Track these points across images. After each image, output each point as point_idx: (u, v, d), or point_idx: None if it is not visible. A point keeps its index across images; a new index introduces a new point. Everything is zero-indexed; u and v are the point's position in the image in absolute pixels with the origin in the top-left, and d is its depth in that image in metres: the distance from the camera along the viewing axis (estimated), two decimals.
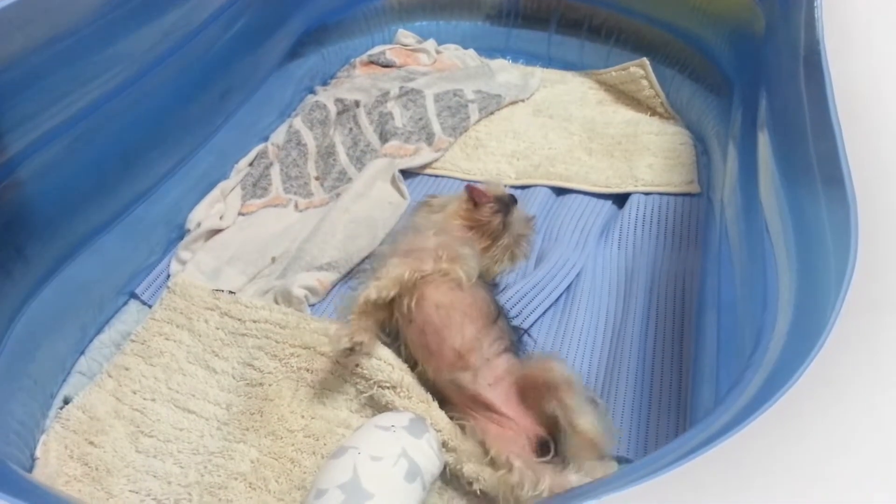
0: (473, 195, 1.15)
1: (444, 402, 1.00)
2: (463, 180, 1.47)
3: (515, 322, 1.12)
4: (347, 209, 1.34)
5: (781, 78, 1.01)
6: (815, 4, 0.95)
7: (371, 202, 1.37)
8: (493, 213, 1.14)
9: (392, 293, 1.00)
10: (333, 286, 1.25)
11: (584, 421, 0.88)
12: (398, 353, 1.04)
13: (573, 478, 0.86)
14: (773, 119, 0.98)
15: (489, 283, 1.15)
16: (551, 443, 0.92)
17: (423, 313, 1.02)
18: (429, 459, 0.87)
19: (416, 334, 1.02)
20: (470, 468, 0.91)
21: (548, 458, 0.91)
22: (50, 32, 0.98)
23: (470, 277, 1.04)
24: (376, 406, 1.01)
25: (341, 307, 1.17)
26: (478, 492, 0.90)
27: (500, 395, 0.97)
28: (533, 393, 0.95)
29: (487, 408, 0.96)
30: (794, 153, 0.84)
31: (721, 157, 1.33)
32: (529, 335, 1.13)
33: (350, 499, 0.79)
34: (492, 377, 0.98)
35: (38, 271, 1.01)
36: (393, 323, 1.05)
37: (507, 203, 1.16)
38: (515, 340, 1.06)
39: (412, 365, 1.03)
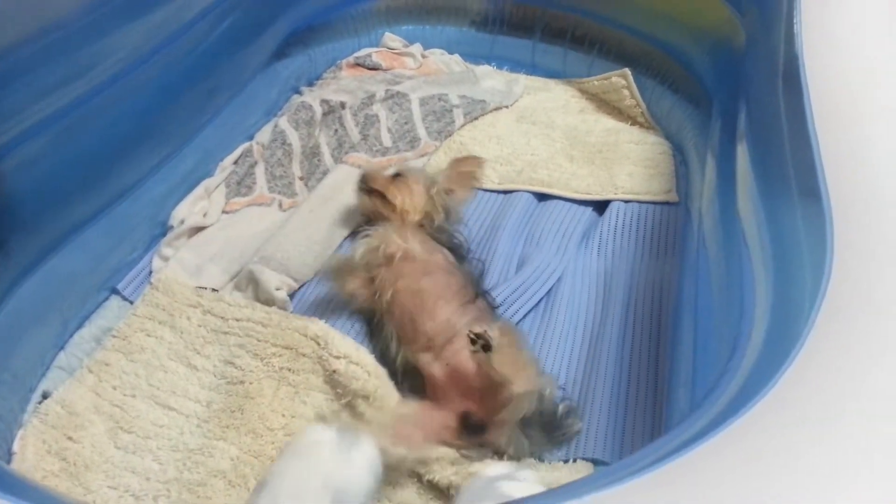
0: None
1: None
2: None
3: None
4: (313, 210, 1.35)
5: (760, 91, 1.03)
6: (795, 20, 0.97)
7: (336, 206, 1.38)
8: (361, 192, 1.27)
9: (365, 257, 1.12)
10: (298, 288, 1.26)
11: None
12: (388, 350, 1.07)
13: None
14: (752, 131, 1.00)
15: (466, 262, 1.19)
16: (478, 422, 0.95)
17: (400, 304, 1.07)
18: (364, 486, 0.81)
19: (397, 327, 1.07)
20: (444, 476, 0.92)
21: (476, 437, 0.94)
22: (37, 27, 0.97)
23: (423, 250, 1.12)
24: (353, 412, 1.01)
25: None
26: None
27: (452, 381, 0.99)
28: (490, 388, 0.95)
29: (437, 390, 0.99)
30: (771, 165, 0.86)
31: (699, 168, 1.35)
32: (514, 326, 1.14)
33: None
34: (451, 351, 1.00)
35: (19, 264, 1.01)
36: (378, 319, 1.10)
37: (359, 181, 1.27)
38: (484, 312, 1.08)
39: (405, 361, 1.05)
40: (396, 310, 1.07)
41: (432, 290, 1.07)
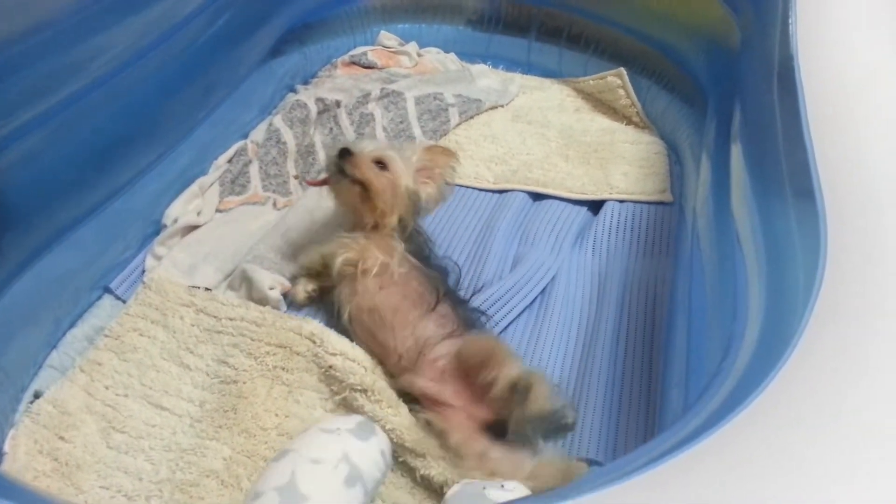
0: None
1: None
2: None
3: (485, 323, 1.13)
4: (307, 209, 1.35)
5: (755, 92, 1.03)
6: (790, 20, 0.97)
7: (331, 205, 1.36)
8: (338, 174, 1.13)
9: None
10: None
11: (513, 368, 0.90)
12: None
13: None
14: (747, 132, 1.00)
15: (428, 259, 1.15)
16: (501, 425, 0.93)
17: (361, 323, 1.06)
18: (373, 464, 0.87)
19: (366, 344, 1.06)
20: (439, 472, 0.92)
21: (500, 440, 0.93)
22: (29, 23, 0.96)
23: (398, 263, 1.08)
24: (349, 407, 1.01)
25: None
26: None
27: (444, 387, 0.98)
28: (473, 371, 0.95)
29: (436, 402, 0.97)
30: (766, 166, 0.86)
31: (694, 168, 1.36)
32: (485, 315, 1.13)
33: (285, 502, 0.78)
34: (433, 372, 0.99)
35: (12, 263, 1.00)
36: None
37: (337, 158, 1.12)
38: (468, 321, 1.07)
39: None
40: (357, 329, 1.07)
41: (388, 305, 1.05)
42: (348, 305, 1.08)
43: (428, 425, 0.96)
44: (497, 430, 0.93)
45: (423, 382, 0.99)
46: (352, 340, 1.07)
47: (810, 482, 0.46)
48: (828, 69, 0.88)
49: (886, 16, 0.95)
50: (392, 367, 1.03)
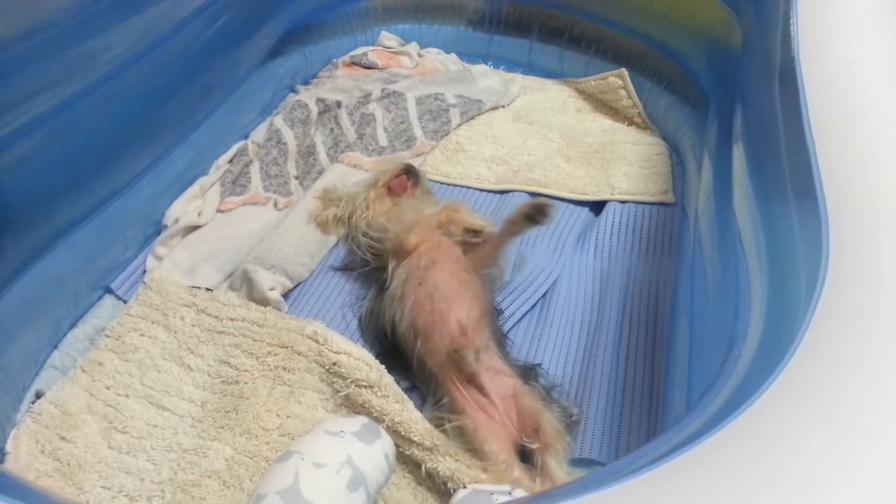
0: (394, 189, 1.29)
1: (429, 387, 1.03)
2: (443, 184, 1.48)
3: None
4: (308, 209, 1.35)
5: (757, 92, 1.03)
6: (791, 21, 0.97)
7: None
8: (412, 185, 1.30)
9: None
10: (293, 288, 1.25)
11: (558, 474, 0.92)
12: (398, 323, 1.07)
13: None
14: (748, 132, 1.00)
15: None
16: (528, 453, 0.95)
17: (435, 278, 1.06)
18: (376, 467, 0.86)
19: (424, 298, 1.05)
20: (446, 467, 0.92)
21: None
22: (27, 25, 0.96)
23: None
24: (352, 406, 1.01)
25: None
26: (452, 490, 0.91)
27: (495, 385, 0.98)
28: (527, 420, 0.97)
29: (479, 390, 0.98)
30: (767, 166, 0.86)
31: (696, 168, 1.35)
32: (508, 338, 1.14)
33: None
34: (490, 365, 1.00)
35: (12, 264, 1.00)
36: (399, 285, 1.09)
37: (413, 171, 1.32)
38: (502, 342, 1.09)
39: (413, 337, 1.04)
40: (430, 281, 1.06)
41: (472, 287, 1.07)
42: (431, 259, 1.09)
43: (454, 429, 0.96)
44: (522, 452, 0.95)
45: (483, 367, 0.99)
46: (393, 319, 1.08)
47: (812, 483, 0.45)
48: (829, 70, 0.88)
49: (888, 16, 0.95)
50: (448, 336, 1.02)
